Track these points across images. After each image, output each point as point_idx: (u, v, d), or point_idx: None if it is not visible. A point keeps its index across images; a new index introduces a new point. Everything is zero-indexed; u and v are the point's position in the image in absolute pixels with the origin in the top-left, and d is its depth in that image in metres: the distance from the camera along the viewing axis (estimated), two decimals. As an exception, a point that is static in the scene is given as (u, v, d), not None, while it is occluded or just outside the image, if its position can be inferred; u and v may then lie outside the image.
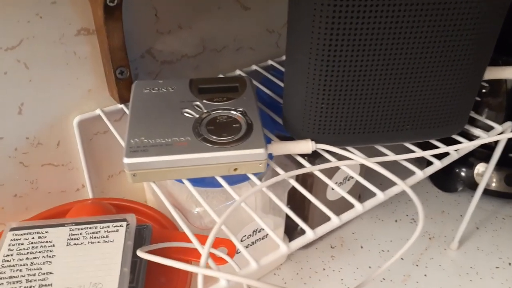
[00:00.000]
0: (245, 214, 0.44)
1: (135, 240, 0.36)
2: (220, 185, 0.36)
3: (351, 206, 0.59)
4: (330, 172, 0.49)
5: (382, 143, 0.39)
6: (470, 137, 0.41)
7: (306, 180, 0.49)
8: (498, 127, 0.42)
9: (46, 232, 0.36)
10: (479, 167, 0.62)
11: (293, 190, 0.49)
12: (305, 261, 0.54)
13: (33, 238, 0.36)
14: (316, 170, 0.36)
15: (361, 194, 0.62)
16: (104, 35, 0.40)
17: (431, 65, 0.34)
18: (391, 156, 0.37)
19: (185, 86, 0.40)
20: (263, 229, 0.47)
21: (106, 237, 0.36)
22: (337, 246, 0.56)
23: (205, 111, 0.37)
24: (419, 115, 0.37)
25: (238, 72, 0.52)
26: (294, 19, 0.34)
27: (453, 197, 0.64)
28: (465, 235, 0.58)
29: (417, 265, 0.53)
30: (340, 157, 0.37)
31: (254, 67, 0.54)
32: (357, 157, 0.36)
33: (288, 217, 0.50)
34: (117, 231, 0.36)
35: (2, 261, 0.34)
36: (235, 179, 0.39)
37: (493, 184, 0.61)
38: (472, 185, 0.61)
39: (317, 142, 0.38)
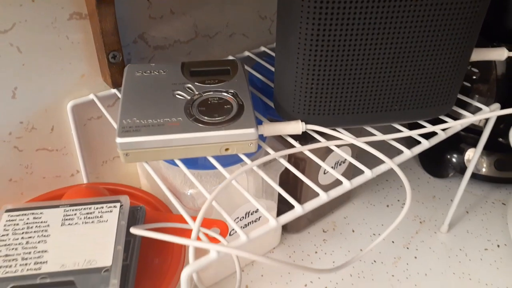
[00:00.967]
0: (238, 196, 0.45)
1: (128, 220, 0.37)
2: (213, 167, 0.37)
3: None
4: (322, 157, 0.49)
5: (371, 124, 0.40)
6: (458, 118, 0.41)
7: (298, 164, 0.50)
8: (485, 108, 0.43)
9: (41, 213, 0.37)
10: (469, 153, 0.63)
11: (285, 175, 0.50)
12: (298, 245, 0.54)
13: (28, 218, 0.36)
14: (306, 150, 0.37)
15: (353, 179, 0.63)
16: (97, 19, 0.40)
17: (418, 47, 0.35)
18: (379, 136, 0.38)
19: (177, 69, 0.41)
20: (255, 212, 0.47)
21: (100, 217, 0.37)
22: (329, 230, 0.57)
23: (197, 93, 0.38)
24: (407, 96, 0.38)
25: (231, 57, 0.53)
26: (283, 4, 0.34)
27: (444, 182, 0.65)
28: (455, 219, 0.59)
29: (407, 248, 0.54)
30: (331, 139, 0.38)
31: (246, 53, 0.54)
32: (346, 137, 0.37)
33: (280, 201, 0.51)
34: (111, 211, 0.37)
35: (-2, 241, 0.34)
36: (228, 161, 0.40)
37: (484, 169, 0.62)
38: (462, 170, 0.62)
39: (307, 123, 0.38)
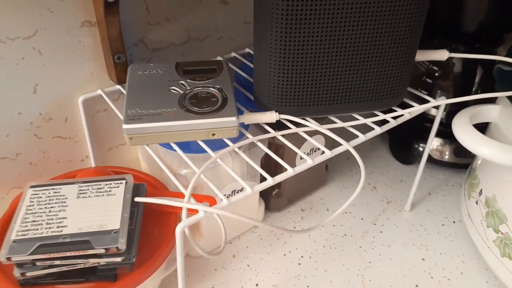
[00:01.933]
0: (224, 177, 0.52)
1: (132, 194, 0.45)
2: (203, 151, 0.44)
3: (318, 175, 0.68)
4: (298, 144, 0.57)
5: (334, 113, 0.47)
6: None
7: (278, 150, 0.58)
8: (433, 100, 0.51)
9: (59, 188, 0.44)
10: (434, 142, 0.70)
11: (267, 161, 0.57)
12: (279, 221, 0.62)
13: (49, 192, 0.44)
14: (278, 135, 0.45)
15: (328, 165, 0.71)
16: (104, 26, 0.48)
17: (370, 49, 0.43)
18: (340, 124, 0.45)
19: (172, 68, 0.48)
20: (241, 190, 0.55)
21: (109, 191, 0.44)
22: (306, 209, 0.64)
23: (188, 88, 0.46)
24: (363, 90, 0.46)
25: (219, 58, 0.60)
26: (257, 9, 0.42)
27: (411, 168, 0.73)
28: (419, 200, 0.67)
29: (374, 224, 0.62)
30: (300, 127, 0.46)
31: (233, 54, 0.62)
32: (312, 125, 0.45)
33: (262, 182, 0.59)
34: (118, 187, 0.45)
35: (26, 210, 0.42)
36: (216, 146, 0.48)
37: (446, 156, 0.70)
38: (428, 157, 0.70)
39: (280, 113, 0.46)
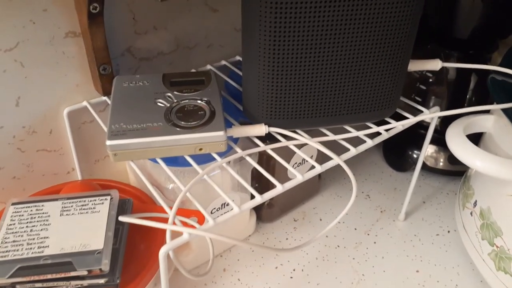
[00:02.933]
0: (214, 190, 0.51)
1: (118, 211, 0.43)
2: (191, 164, 0.43)
3: (311, 184, 0.67)
4: (289, 154, 0.56)
5: (325, 125, 0.46)
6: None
7: (270, 161, 0.56)
8: (426, 111, 0.50)
9: (42, 205, 0.43)
10: (428, 149, 0.69)
11: (259, 171, 0.56)
12: (271, 232, 0.61)
13: (31, 210, 0.42)
14: (268, 148, 0.44)
15: (321, 174, 0.70)
16: (89, 37, 0.46)
17: (363, 60, 0.42)
18: (331, 136, 0.44)
19: (159, 80, 0.47)
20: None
21: (93, 208, 0.43)
22: (299, 219, 0.63)
23: (175, 101, 0.44)
24: (354, 102, 0.44)
25: (209, 67, 0.59)
26: (245, 19, 0.41)
27: (406, 176, 0.72)
28: (413, 208, 0.66)
29: (368, 234, 0.61)
30: (290, 140, 0.44)
31: (223, 62, 0.61)
32: (302, 138, 0.44)
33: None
34: (102, 203, 0.43)
35: (6, 229, 0.40)
36: (204, 159, 0.46)
37: (440, 164, 0.69)
38: (422, 165, 0.69)
39: (270, 126, 0.45)
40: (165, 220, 0.45)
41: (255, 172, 0.56)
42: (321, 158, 0.43)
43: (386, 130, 0.46)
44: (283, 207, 0.64)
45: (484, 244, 0.50)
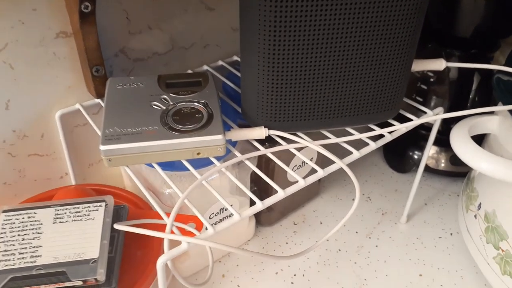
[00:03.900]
0: (212, 195, 0.50)
1: (113, 217, 0.42)
2: (188, 169, 0.41)
3: (311, 186, 0.65)
4: (289, 156, 0.54)
5: (326, 128, 0.45)
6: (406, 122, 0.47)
7: (269, 163, 0.55)
8: (429, 112, 0.48)
9: (34, 212, 0.41)
10: (430, 150, 0.68)
11: (258, 175, 0.54)
12: (271, 237, 0.60)
13: (23, 218, 0.41)
14: (268, 152, 0.42)
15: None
16: (81, 37, 0.45)
17: (363, 63, 0.40)
18: (333, 139, 0.43)
19: (154, 82, 0.45)
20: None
21: (88, 215, 0.41)
22: (299, 223, 0.62)
23: (171, 103, 0.43)
24: (356, 104, 0.43)
25: (205, 67, 0.58)
26: (243, 19, 0.39)
27: (406, 177, 0.71)
28: (415, 210, 0.64)
29: (369, 238, 0.60)
30: (291, 143, 0.43)
31: (220, 62, 0.59)
32: (303, 141, 0.42)
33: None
34: (97, 210, 0.42)
35: (-3, 238, 0.39)
36: (202, 163, 0.45)
37: (442, 164, 0.68)
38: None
39: (270, 129, 0.43)
40: (162, 227, 0.44)
41: (253, 175, 0.55)
42: (321, 160, 0.42)
43: (389, 133, 0.45)
44: (283, 211, 0.62)
45: (489, 248, 0.49)
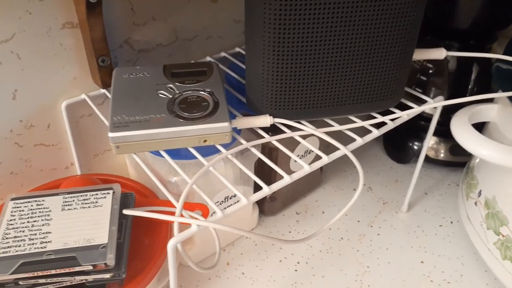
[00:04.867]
0: (217, 183, 0.50)
1: (120, 205, 0.42)
2: (194, 157, 0.42)
3: (313, 177, 0.66)
4: (292, 146, 0.55)
5: (330, 116, 0.45)
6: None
7: (272, 153, 0.56)
8: (430, 100, 0.49)
9: (43, 200, 0.42)
10: (430, 141, 0.69)
11: (261, 165, 0.55)
12: (274, 226, 0.61)
13: (31, 205, 0.41)
14: (273, 140, 0.43)
15: (323, 166, 0.69)
16: (87, 28, 0.45)
17: (366, 51, 0.41)
18: (336, 127, 0.44)
19: (159, 71, 0.46)
20: (234, 196, 0.53)
21: (96, 202, 0.42)
22: (302, 212, 0.63)
23: (178, 92, 0.43)
24: (359, 92, 0.44)
25: (208, 58, 0.58)
26: (249, 10, 0.40)
27: (407, 168, 0.72)
28: (415, 200, 0.65)
29: (371, 226, 0.61)
30: (295, 131, 0.44)
31: (223, 54, 0.60)
32: (308, 128, 0.43)
33: (256, 187, 0.57)
34: (105, 197, 0.42)
35: (7, 225, 0.39)
36: (208, 152, 0.45)
37: (441, 155, 0.69)
38: (423, 156, 0.69)
39: (274, 117, 0.44)
40: (169, 214, 0.45)
41: (256, 166, 0.55)
42: (323, 150, 0.42)
43: (392, 120, 0.45)
44: (285, 200, 0.63)
45: (489, 234, 0.50)
